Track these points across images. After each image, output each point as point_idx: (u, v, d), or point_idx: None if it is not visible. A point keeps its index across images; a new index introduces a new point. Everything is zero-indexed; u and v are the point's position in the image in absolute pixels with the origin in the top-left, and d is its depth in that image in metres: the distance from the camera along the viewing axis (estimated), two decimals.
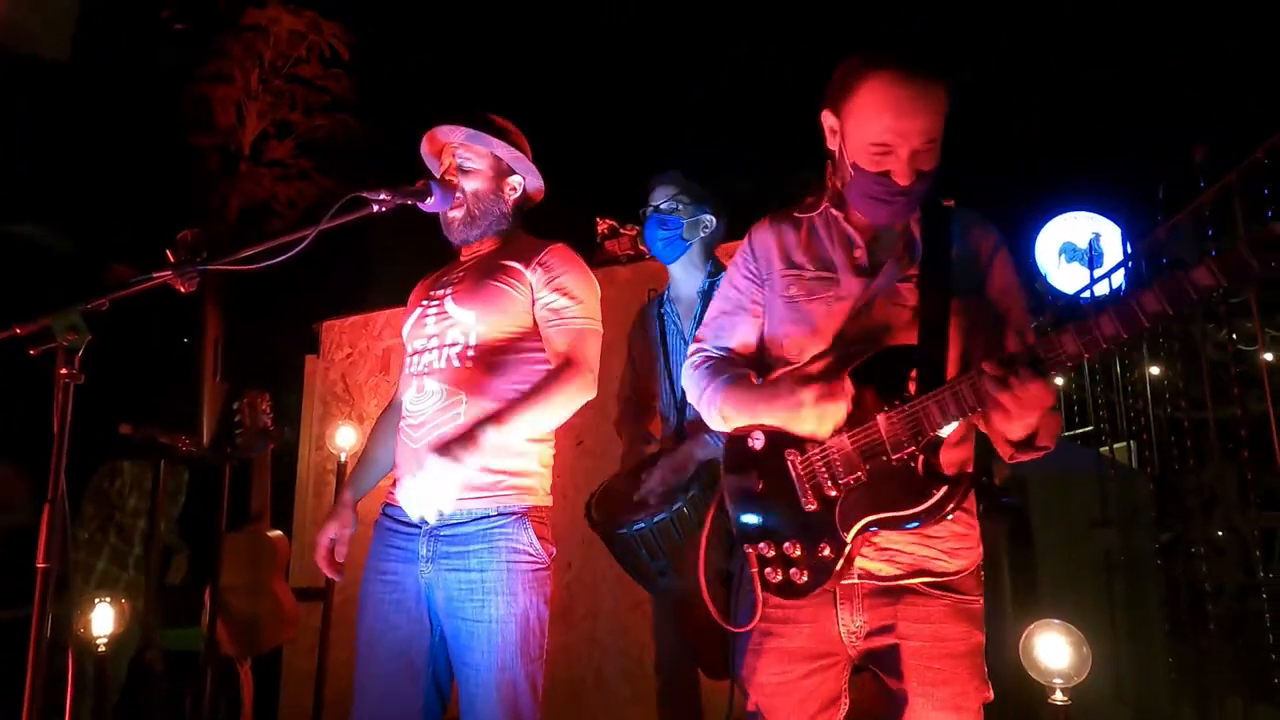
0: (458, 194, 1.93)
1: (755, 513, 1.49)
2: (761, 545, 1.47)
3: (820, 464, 1.42)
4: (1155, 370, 3.78)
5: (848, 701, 1.51)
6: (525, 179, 2.05)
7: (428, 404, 1.86)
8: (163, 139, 6.89)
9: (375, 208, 1.76)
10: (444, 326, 1.91)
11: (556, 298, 1.91)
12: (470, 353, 1.86)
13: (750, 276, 1.64)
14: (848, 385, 1.40)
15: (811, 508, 1.42)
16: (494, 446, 1.77)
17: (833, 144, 1.51)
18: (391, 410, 2.08)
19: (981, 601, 1.47)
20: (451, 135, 1.99)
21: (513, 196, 2.03)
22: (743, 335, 1.64)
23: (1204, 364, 2.73)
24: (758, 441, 1.50)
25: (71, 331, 1.42)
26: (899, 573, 1.44)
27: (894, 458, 1.37)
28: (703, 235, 2.43)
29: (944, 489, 1.34)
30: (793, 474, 1.45)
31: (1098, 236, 4.07)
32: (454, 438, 1.74)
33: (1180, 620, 2.87)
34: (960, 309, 1.45)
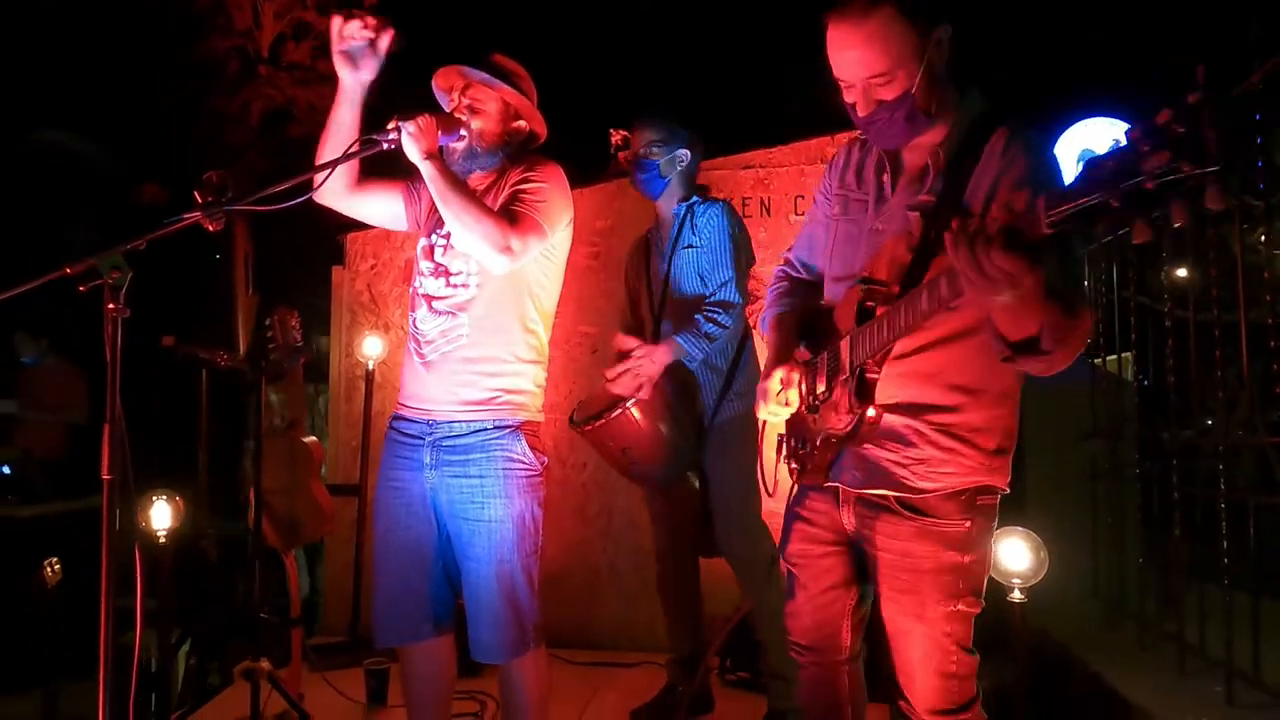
0: (462, 130, 2.02)
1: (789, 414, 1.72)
2: (789, 439, 1.75)
3: (809, 380, 1.64)
4: (1183, 272, 3.77)
5: (861, 598, 1.69)
6: (530, 124, 2.14)
7: (437, 325, 2.03)
8: (182, 44, 6.85)
9: (385, 145, 1.87)
10: (449, 257, 2.05)
11: (529, 184, 2.01)
12: (472, 280, 2.02)
13: (824, 191, 1.77)
14: (778, 378, 1.63)
15: (806, 412, 1.65)
16: (489, 360, 2.00)
17: None
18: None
19: (966, 525, 1.50)
20: (463, 75, 2.07)
21: (516, 140, 2.12)
22: (812, 242, 1.81)
23: (1200, 260, 2.73)
24: (802, 354, 1.71)
25: (115, 270, 1.56)
26: (868, 482, 1.56)
27: (839, 380, 1.53)
28: (679, 169, 2.70)
29: (858, 415, 1.47)
30: (804, 382, 1.66)
31: (1117, 143, 3.94)
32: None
33: (1153, 523, 3.04)
34: None
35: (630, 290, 2.92)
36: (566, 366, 3.80)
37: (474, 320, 2.01)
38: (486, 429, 2.00)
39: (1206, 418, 3.12)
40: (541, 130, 2.17)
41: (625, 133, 4.11)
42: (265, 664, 2.58)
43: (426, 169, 1.86)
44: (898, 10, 1.40)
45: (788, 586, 1.76)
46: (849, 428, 1.50)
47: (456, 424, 2.01)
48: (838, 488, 1.63)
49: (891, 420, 1.51)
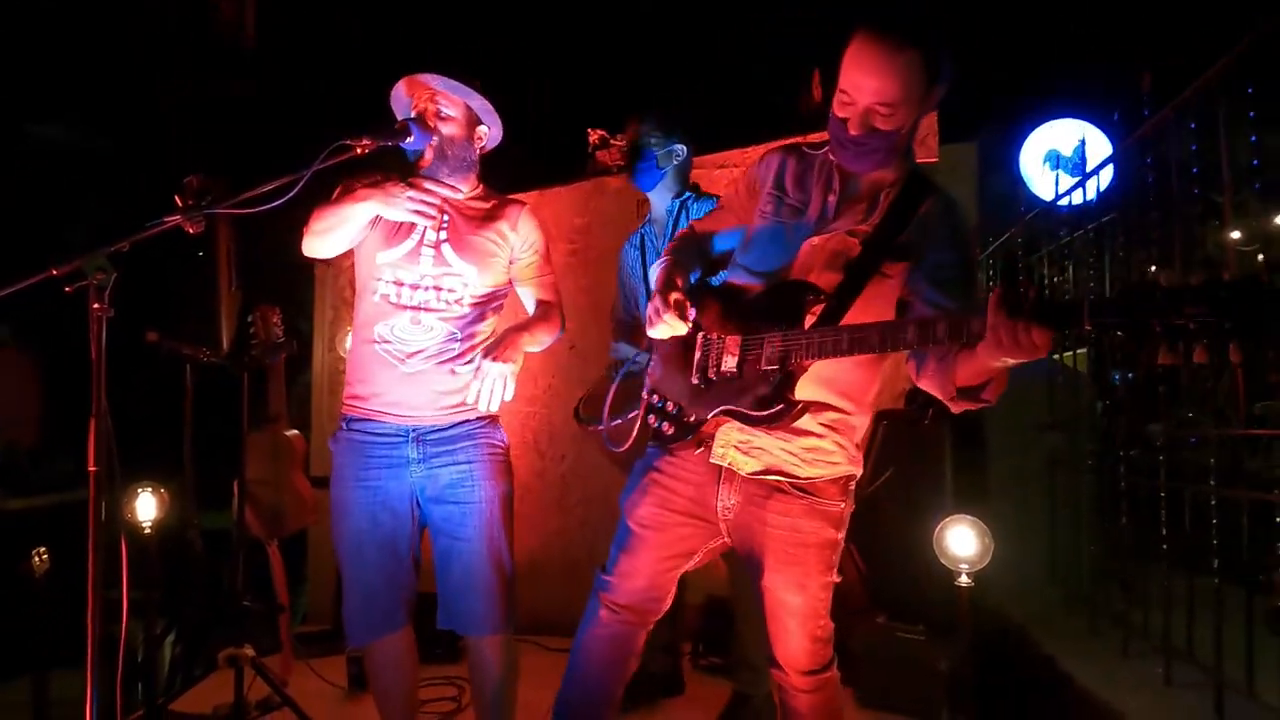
0: (434, 137, 2.12)
1: (662, 371, 1.82)
2: (654, 397, 1.81)
3: (714, 351, 1.71)
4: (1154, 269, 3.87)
5: (698, 562, 1.83)
6: (490, 129, 2.24)
7: (427, 337, 2.10)
8: (182, 38, 6.80)
9: (359, 150, 1.94)
10: (441, 271, 2.13)
11: (536, 259, 2.28)
12: (467, 299, 2.15)
13: (750, 185, 1.85)
14: (670, 309, 1.67)
15: (695, 382, 1.72)
16: (472, 367, 2.14)
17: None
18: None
19: (843, 507, 1.72)
20: (429, 83, 2.16)
21: (479, 145, 2.23)
22: (720, 224, 1.92)
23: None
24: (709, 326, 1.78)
25: (100, 271, 1.63)
26: (760, 468, 1.70)
27: (762, 368, 1.61)
28: (675, 163, 2.74)
29: (780, 407, 1.59)
30: (696, 352, 1.74)
31: (1084, 143, 4.02)
32: (500, 347, 2.13)
33: (1104, 511, 3.15)
34: (891, 274, 1.62)
35: (627, 289, 2.88)
36: (546, 362, 3.88)
37: (463, 332, 2.14)
38: (470, 421, 2.16)
39: (1180, 412, 3.20)
40: (499, 136, 2.27)
41: (603, 132, 4.20)
42: (249, 650, 2.65)
43: (525, 346, 2.18)
44: (923, 56, 1.50)
45: (625, 544, 1.78)
46: (771, 415, 1.60)
47: (440, 421, 2.13)
48: (721, 467, 1.72)
49: None
